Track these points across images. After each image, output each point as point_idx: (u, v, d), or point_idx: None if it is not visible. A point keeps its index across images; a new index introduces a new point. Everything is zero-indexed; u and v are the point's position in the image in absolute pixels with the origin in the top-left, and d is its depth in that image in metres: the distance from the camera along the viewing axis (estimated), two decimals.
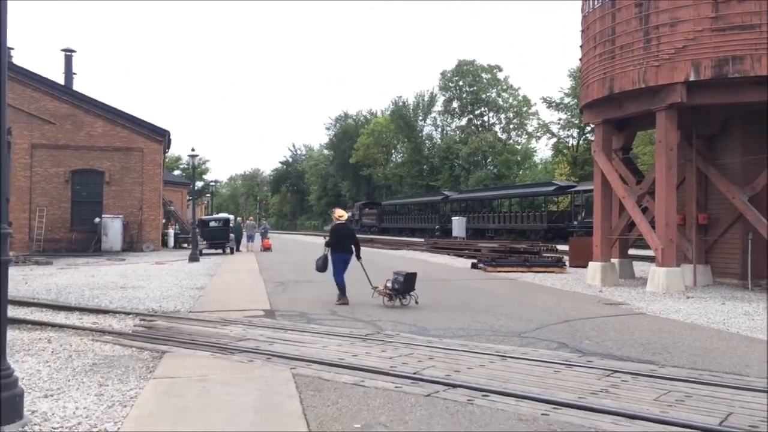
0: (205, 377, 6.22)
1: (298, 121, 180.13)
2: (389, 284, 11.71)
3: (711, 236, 15.83)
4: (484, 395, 5.58)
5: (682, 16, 13.08)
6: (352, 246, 12.24)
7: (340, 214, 12.85)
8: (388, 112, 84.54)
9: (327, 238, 12.85)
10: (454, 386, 5.86)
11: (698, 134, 15.43)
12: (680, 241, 14.83)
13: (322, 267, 12.49)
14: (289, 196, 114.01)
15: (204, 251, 28.70)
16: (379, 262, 24.99)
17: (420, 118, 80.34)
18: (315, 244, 45.87)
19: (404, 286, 11.63)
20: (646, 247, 16.10)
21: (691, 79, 12.94)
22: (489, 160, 68.13)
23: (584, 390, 5.76)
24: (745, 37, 12.46)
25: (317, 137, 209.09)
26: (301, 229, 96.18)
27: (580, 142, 58.91)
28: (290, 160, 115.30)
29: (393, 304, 11.63)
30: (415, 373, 6.33)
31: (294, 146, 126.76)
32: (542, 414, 5.06)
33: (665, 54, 13.21)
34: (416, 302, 11.68)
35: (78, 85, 40.52)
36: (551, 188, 42.51)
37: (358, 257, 12.22)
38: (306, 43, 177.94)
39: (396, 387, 5.88)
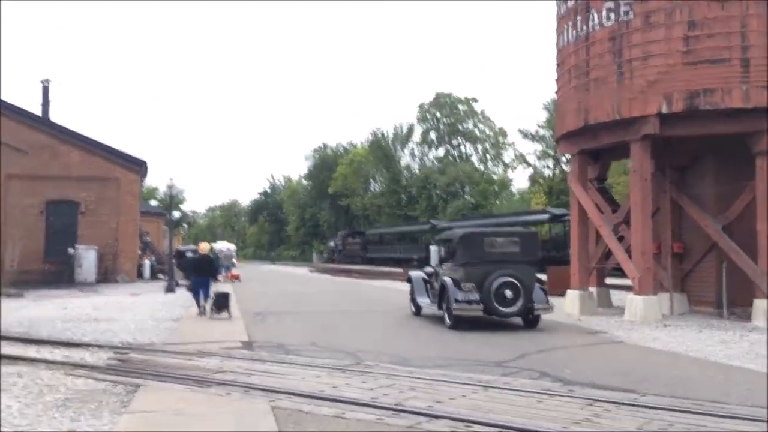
0: (181, 411, 6.08)
1: (277, 152, 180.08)
2: (210, 301, 15.04)
3: (686, 265, 16.02)
4: (467, 426, 5.52)
5: (653, 50, 13.40)
6: (212, 271, 16.20)
7: (203, 248, 16.75)
8: (367, 143, 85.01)
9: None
10: (437, 417, 5.80)
11: (672, 165, 15.70)
12: (656, 270, 14.97)
13: (189, 287, 16.51)
14: (267, 226, 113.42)
15: (180, 282, 28.31)
16: (355, 291, 24.94)
17: (398, 148, 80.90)
18: (293, 275, 45.57)
19: (218, 303, 14.73)
20: (623, 275, 16.23)
21: (664, 111, 13.20)
22: (466, 189, 68.61)
23: (567, 420, 5.73)
24: (716, 70, 12.79)
25: (296, 168, 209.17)
26: (278, 260, 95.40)
27: (556, 172, 59.68)
28: (269, 190, 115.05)
29: (212, 316, 14.58)
30: (396, 405, 6.26)
31: (273, 177, 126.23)
32: None
33: (638, 87, 13.49)
34: (229, 315, 14.54)
35: (54, 115, 40.15)
36: (545, 216, 41.97)
37: (215, 280, 16.49)
38: (286, 76, 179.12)
39: (377, 419, 5.80)
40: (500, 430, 5.42)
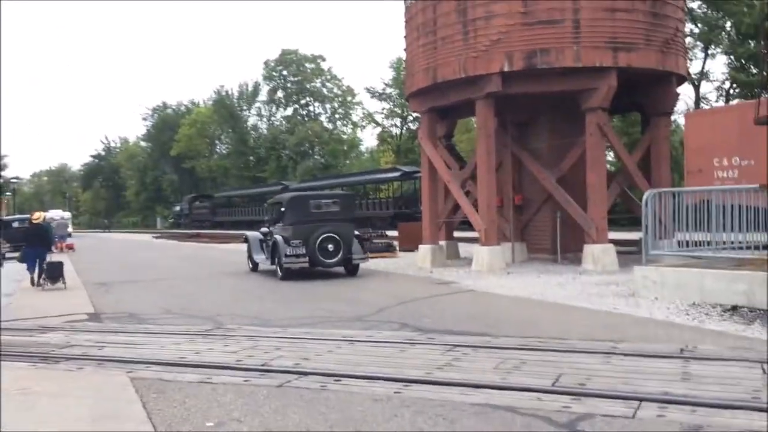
0: (28, 390, 5.57)
1: (109, 111, 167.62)
2: (42, 273, 14.33)
3: (526, 216, 17.18)
4: (336, 380, 5.57)
5: (496, 10, 13.95)
6: (47, 241, 15.31)
7: (36, 217, 15.71)
8: (211, 102, 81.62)
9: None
10: (306, 374, 5.80)
11: (513, 121, 16.63)
12: (500, 222, 15.92)
13: (22, 258, 15.31)
14: (103, 192, 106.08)
15: (7, 255, 25.78)
16: (204, 256, 24.17)
17: (244, 108, 78.51)
18: (136, 242, 43.20)
19: (50, 273, 14.16)
20: (469, 228, 17.11)
21: (505, 69, 13.86)
22: (316, 149, 68.42)
23: (431, 365, 5.98)
24: (551, 31, 13.60)
25: (133, 129, 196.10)
26: (118, 227, 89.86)
27: (403, 131, 61.10)
28: (103, 153, 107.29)
29: (46, 287, 13.87)
30: (263, 365, 6.18)
31: (107, 138, 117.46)
32: (395, 392, 5.16)
33: (482, 46, 14.04)
34: (65, 285, 14.06)
35: None
36: (396, 174, 42.61)
37: (50, 251, 15.64)
38: (118, 27, 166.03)
39: (245, 381, 5.69)
40: (369, 381, 5.53)
